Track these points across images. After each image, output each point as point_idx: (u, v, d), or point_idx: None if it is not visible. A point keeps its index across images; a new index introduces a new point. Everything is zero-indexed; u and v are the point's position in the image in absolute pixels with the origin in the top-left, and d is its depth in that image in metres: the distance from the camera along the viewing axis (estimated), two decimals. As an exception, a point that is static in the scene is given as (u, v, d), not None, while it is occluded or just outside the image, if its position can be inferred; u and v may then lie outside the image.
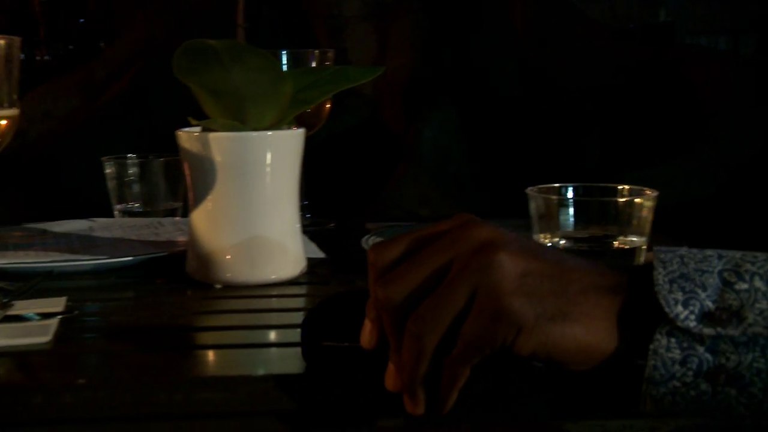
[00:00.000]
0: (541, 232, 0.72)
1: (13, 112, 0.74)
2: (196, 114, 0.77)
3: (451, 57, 1.90)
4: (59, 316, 0.67)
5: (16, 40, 0.74)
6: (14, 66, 0.74)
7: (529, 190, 0.73)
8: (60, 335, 0.64)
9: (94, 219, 1.04)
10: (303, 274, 0.81)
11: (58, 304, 0.70)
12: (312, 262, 0.85)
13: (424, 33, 1.98)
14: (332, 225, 1.09)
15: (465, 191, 1.79)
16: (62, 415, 0.54)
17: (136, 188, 1.06)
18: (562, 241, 0.71)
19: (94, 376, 0.57)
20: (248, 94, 0.72)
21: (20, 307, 0.67)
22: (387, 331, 0.49)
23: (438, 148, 1.87)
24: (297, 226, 0.80)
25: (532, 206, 0.73)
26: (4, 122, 0.73)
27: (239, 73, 0.70)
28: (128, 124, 2.72)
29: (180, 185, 1.07)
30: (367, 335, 0.51)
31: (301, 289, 0.80)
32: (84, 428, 0.54)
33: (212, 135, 0.75)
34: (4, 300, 0.68)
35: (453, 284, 0.46)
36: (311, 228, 1.05)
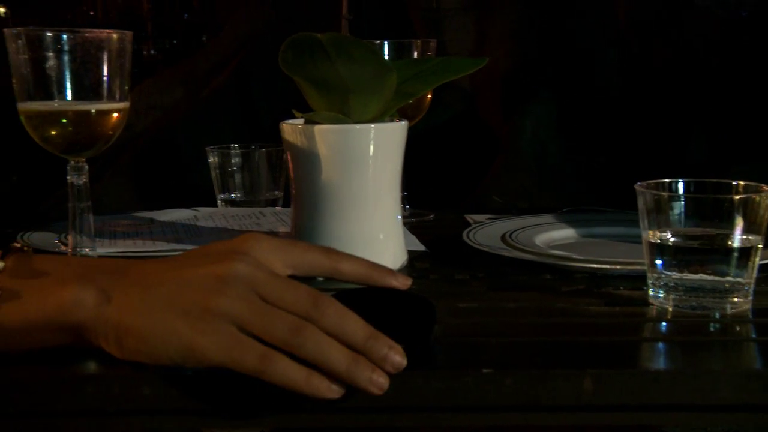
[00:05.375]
0: (650, 229, 0.70)
1: (125, 105, 0.76)
2: (298, 106, 0.77)
3: (551, 48, 1.86)
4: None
5: (128, 34, 0.76)
6: (126, 60, 0.76)
7: (638, 186, 0.71)
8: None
9: (198, 208, 1.06)
10: (403, 267, 0.81)
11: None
12: (412, 255, 0.84)
13: (523, 24, 1.95)
14: (431, 217, 1.08)
15: (563, 184, 1.76)
16: (171, 407, 0.56)
17: (238, 178, 1.08)
18: (672, 239, 0.69)
19: (202, 369, 0.58)
20: (353, 87, 0.72)
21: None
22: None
23: (536, 141, 1.85)
24: (398, 218, 0.80)
25: (641, 202, 0.70)
26: (116, 115, 0.75)
27: (344, 65, 0.70)
28: (230, 115, 2.77)
29: (281, 175, 1.08)
30: None
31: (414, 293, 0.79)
32: (192, 419, 0.56)
33: (316, 127, 0.75)
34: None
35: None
36: (411, 220, 1.05)
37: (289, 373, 0.53)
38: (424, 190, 1.13)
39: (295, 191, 0.78)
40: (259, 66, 2.75)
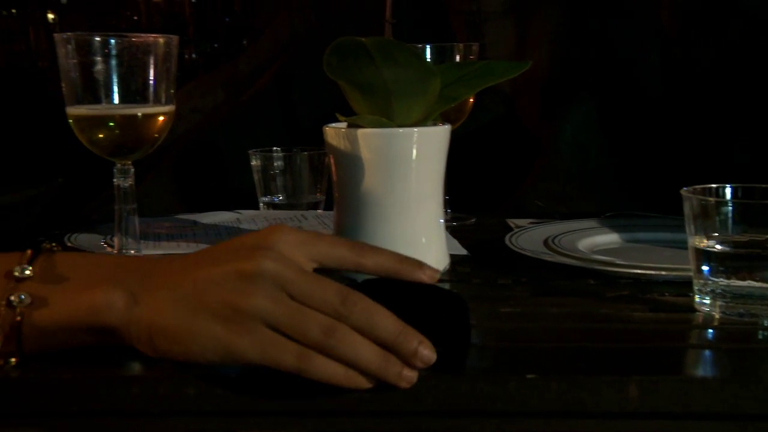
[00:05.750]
0: (696, 234, 0.69)
1: (170, 108, 0.77)
2: (338, 109, 0.78)
3: (592, 50, 1.85)
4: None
5: (174, 39, 0.76)
6: (172, 64, 0.77)
7: (685, 191, 0.70)
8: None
9: (241, 211, 1.07)
10: (445, 272, 0.81)
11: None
12: (454, 259, 0.84)
13: (564, 27, 1.94)
14: (473, 221, 1.08)
15: (605, 189, 1.75)
16: (215, 408, 0.56)
17: (280, 181, 1.08)
18: (720, 245, 0.68)
19: (246, 370, 0.58)
20: (396, 90, 0.72)
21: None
22: None
23: (576, 145, 1.83)
24: (441, 222, 0.80)
25: (687, 207, 0.70)
26: (161, 118, 0.76)
27: (388, 69, 0.70)
28: (271, 118, 2.78)
29: (323, 178, 1.09)
30: None
31: (444, 287, 0.79)
32: (236, 420, 0.56)
33: (359, 131, 0.75)
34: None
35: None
36: (452, 224, 1.04)
37: (328, 369, 0.55)
38: (464, 193, 1.13)
39: (337, 194, 0.79)
40: (300, 69, 2.77)
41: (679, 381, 0.56)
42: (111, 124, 0.75)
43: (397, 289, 0.60)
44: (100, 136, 0.75)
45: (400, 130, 0.75)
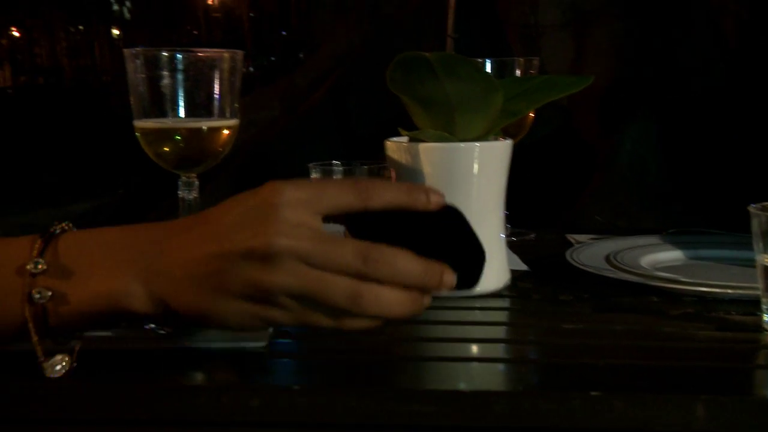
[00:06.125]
0: (764, 252, 0.67)
1: (235, 122, 0.78)
2: (396, 122, 0.78)
3: (654, 65, 1.83)
4: (273, 321, 0.69)
5: (239, 54, 0.78)
6: (236, 78, 0.78)
7: (752, 208, 0.68)
8: (273, 340, 0.66)
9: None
10: (506, 287, 0.80)
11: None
12: (515, 274, 0.84)
13: (623, 41, 1.92)
14: (532, 236, 1.07)
15: (665, 204, 1.72)
16: (278, 419, 0.56)
17: (340, 195, 1.08)
18: (789, 263, 0.67)
19: (309, 383, 0.59)
20: (459, 105, 0.72)
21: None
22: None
23: (636, 159, 1.81)
24: (502, 237, 0.80)
25: (755, 224, 0.68)
26: (226, 131, 0.77)
27: (452, 84, 0.70)
28: (327, 130, 2.80)
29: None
30: None
31: (505, 302, 0.79)
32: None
33: (421, 145, 0.75)
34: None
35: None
36: (512, 239, 1.04)
37: (363, 323, 0.57)
38: (521, 207, 1.13)
39: (398, 208, 0.79)
40: (356, 83, 2.78)
41: (747, 402, 0.55)
42: (177, 137, 0.76)
43: (396, 220, 0.59)
44: (166, 149, 0.77)
45: (462, 144, 0.75)
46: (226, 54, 0.76)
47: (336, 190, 0.59)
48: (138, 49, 0.76)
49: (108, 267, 0.60)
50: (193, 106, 0.76)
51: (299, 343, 0.68)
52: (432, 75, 0.69)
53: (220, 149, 0.78)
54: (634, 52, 1.86)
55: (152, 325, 0.65)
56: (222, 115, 0.77)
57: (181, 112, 0.76)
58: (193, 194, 0.79)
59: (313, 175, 1.11)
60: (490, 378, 0.62)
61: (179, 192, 0.79)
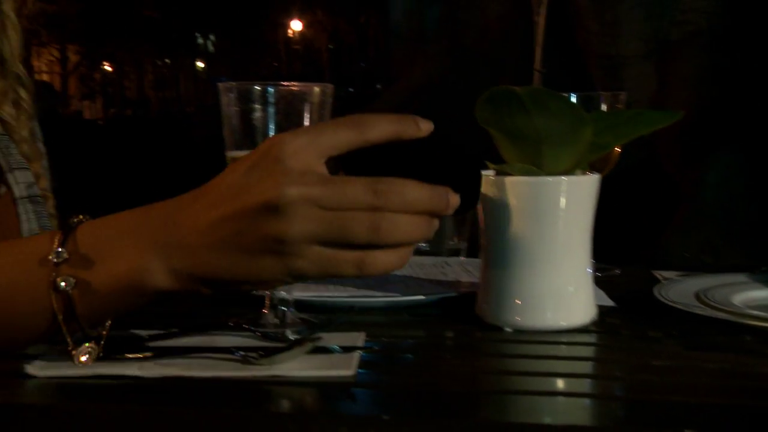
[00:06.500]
0: None
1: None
2: (492, 157, 0.78)
3: (740, 96, 1.79)
4: (359, 351, 0.70)
5: (330, 87, 0.79)
6: (326, 111, 0.79)
7: None
8: (361, 369, 0.67)
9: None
10: (593, 322, 0.79)
11: (357, 338, 0.73)
12: (601, 310, 0.82)
13: (708, 72, 1.89)
14: (618, 271, 1.06)
15: (754, 240, 1.68)
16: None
17: (423, 227, 1.09)
18: None
19: (396, 413, 0.59)
20: (547, 139, 0.72)
21: (324, 340, 0.71)
22: None
23: (723, 192, 1.77)
24: (589, 271, 0.79)
25: None
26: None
27: (541, 118, 0.70)
28: (404, 161, 2.79)
29: (465, 225, 1.09)
30: None
31: (591, 338, 0.78)
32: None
33: (508, 179, 0.75)
34: (312, 333, 0.73)
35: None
36: (597, 274, 1.02)
37: (385, 261, 0.60)
38: (603, 240, 1.11)
39: (484, 242, 0.79)
40: (434, 115, 2.77)
41: None
42: (268, 169, 0.77)
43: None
44: (256, 180, 0.78)
45: (550, 178, 0.75)
46: (316, 88, 0.78)
47: (333, 129, 0.61)
48: (232, 83, 0.78)
49: (125, 248, 0.62)
50: (283, 138, 0.78)
51: (385, 373, 0.68)
52: (521, 109, 0.70)
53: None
54: (720, 83, 1.83)
55: (241, 352, 0.66)
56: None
57: (272, 144, 0.78)
58: (282, 225, 0.80)
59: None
60: (576, 413, 0.61)
61: (269, 223, 0.81)
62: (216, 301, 0.89)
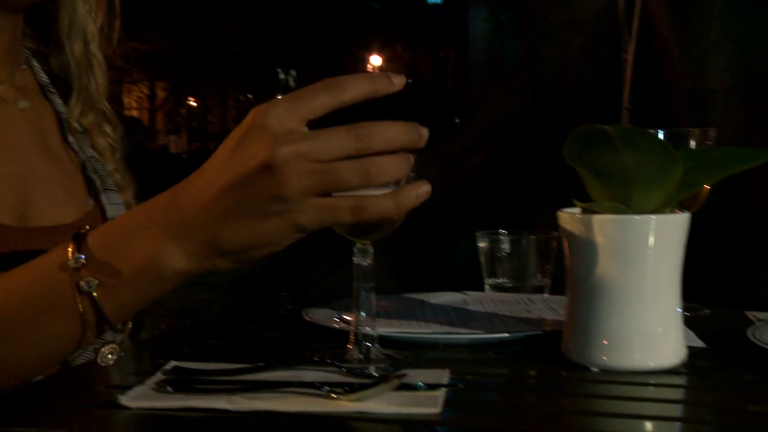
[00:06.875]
0: None
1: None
2: (579, 194, 0.78)
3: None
4: (444, 388, 0.69)
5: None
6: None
7: None
8: (445, 407, 0.66)
9: (467, 292, 1.08)
10: (683, 364, 0.78)
11: (442, 376, 0.73)
12: (691, 351, 0.80)
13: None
14: (707, 311, 1.03)
15: None
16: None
17: (506, 263, 1.09)
18: None
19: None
20: (636, 178, 0.71)
21: (409, 377, 0.71)
22: None
23: (816, 230, 1.72)
24: (678, 312, 0.77)
25: None
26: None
27: (630, 156, 0.70)
28: (483, 196, 2.81)
29: (550, 262, 1.08)
30: None
31: (681, 380, 0.76)
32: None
33: (595, 217, 0.75)
34: (397, 369, 0.73)
35: None
36: (685, 314, 1.00)
37: (380, 206, 0.65)
38: (691, 279, 1.09)
39: (570, 280, 0.78)
40: (513, 149, 2.78)
41: None
42: (355, 206, 0.78)
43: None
44: (343, 217, 0.79)
45: (638, 217, 0.74)
46: (403, 127, 0.79)
47: (310, 94, 0.66)
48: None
49: (138, 241, 0.66)
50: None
51: (469, 412, 0.68)
52: (610, 148, 0.69)
53: (396, 218, 0.79)
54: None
55: (327, 387, 0.66)
56: (397, 185, 0.79)
57: (358, 182, 0.79)
58: (368, 261, 0.81)
59: (480, 244, 1.12)
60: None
61: (354, 258, 0.81)
62: (301, 335, 0.90)
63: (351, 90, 0.66)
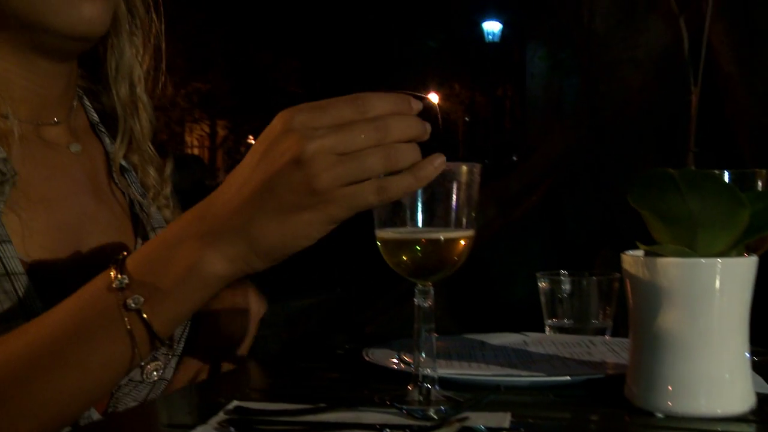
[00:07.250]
0: None
1: (471, 232, 0.80)
2: (635, 233, 0.77)
3: None
4: None
5: (477, 166, 0.80)
6: (473, 190, 0.80)
7: None
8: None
9: (527, 333, 1.07)
10: (751, 411, 0.76)
11: (503, 419, 0.72)
12: (760, 398, 0.78)
13: None
14: (774, 356, 1.00)
15: None
16: None
17: (567, 304, 1.08)
18: None
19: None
20: (702, 221, 0.71)
21: (471, 419, 0.71)
22: None
23: None
24: (746, 357, 0.76)
25: None
26: (463, 242, 0.79)
27: (696, 200, 0.69)
28: (541, 235, 2.78)
29: (611, 304, 1.07)
30: None
31: (749, 427, 0.74)
32: None
33: (659, 260, 0.74)
34: (458, 411, 0.73)
35: None
36: (753, 359, 0.98)
37: (402, 183, 0.69)
38: (759, 323, 1.06)
39: (633, 323, 0.77)
40: (571, 188, 2.76)
41: None
42: (417, 247, 0.78)
43: None
44: (404, 257, 0.79)
45: (703, 260, 0.73)
46: (464, 166, 0.79)
47: (333, 105, 0.69)
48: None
49: (177, 255, 0.68)
50: (431, 217, 0.79)
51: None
52: (676, 191, 0.69)
53: (456, 259, 0.80)
54: None
55: (388, 429, 0.66)
56: (459, 226, 0.79)
57: (419, 222, 0.79)
58: (429, 302, 0.81)
59: (541, 284, 1.11)
60: None
61: (415, 299, 0.82)
62: (360, 375, 0.90)
63: (373, 106, 0.69)
